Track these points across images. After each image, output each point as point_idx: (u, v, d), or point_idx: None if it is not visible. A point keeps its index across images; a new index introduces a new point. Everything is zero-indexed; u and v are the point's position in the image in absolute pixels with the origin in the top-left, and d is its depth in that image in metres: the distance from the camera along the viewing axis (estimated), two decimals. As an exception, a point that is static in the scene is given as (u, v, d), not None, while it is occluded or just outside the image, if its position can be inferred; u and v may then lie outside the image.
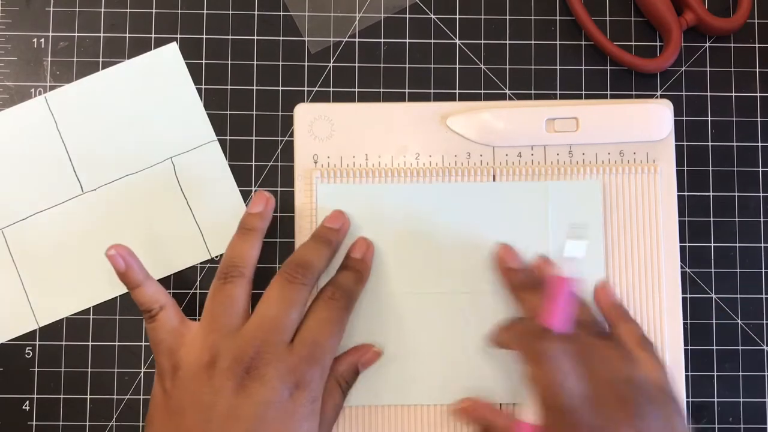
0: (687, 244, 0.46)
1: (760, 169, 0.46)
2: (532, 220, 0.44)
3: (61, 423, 0.44)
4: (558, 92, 0.46)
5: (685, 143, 0.46)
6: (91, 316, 0.45)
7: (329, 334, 0.40)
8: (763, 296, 0.46)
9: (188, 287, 0.45)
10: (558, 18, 0.47)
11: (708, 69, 0.47)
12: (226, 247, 0.42)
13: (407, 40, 0.47)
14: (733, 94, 0.47)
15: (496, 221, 0.44)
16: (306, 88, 0.46)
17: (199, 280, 0.45)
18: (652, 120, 0.45)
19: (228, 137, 0.46)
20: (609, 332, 0.42)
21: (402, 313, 0.44)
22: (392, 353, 0.44)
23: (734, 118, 0.47)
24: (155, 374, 0.40)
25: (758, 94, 0.47)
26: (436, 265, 0.44)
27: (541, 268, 0.43)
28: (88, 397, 0.44)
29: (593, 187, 0.45)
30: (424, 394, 0.44)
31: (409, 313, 0.44)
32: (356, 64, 0.46)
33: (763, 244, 0.46)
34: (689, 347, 0.45)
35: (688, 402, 0.45)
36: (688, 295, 0.45)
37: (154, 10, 0.46)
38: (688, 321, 0.45)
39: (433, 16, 0.47)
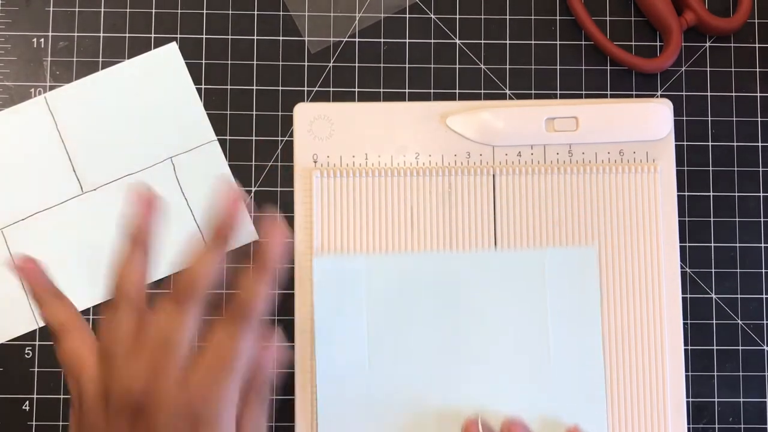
0: (687, 244, 0.46)
1: (760, 169, 0.46)
2: (530, 288, 0.44)
3: (61, 423, 0.44)
4: (558, 92, 0.46)
5: (685, 143, 0.46)
6: (91, 316, 0.45)
7: (234, 358, 0.34)
8: (763, 296, 0.46)
9: (188, 287, 0.45)
10: (558, 18, 0.47)
11: (708, 69, 0.47)
12: (114, 269, 0.37)
13: (407, 40, 0.47)
14: (733, 94, 0.47)
15: (495, 290, 0.44)
16: (306, 88, 0.46)
17: (199, 280, 0.45)
18: (652, 119, 0.45)
19: (228, 137, 0.46)
20: None
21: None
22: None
23: (734, 118, 0.47)
24: None
25: (758, 94, 0.47)
26: (431, 335, 0.44)
27: None
28: (88, 397, 0.44)
29: (589, 254, 0.44)
30: None
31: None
32: (356, 64, 0.46)
33: (763, 244, 0.46)
34: (689, 347, 0.45)
35: (688, 402, 0.44)
36: (688, 295, 0.45)
37: (154, 10, 0.46)
38: (688, 321, 0.45)
39: (433, 16, 0.47)
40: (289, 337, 0.44)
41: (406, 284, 0.44)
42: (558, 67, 0.47)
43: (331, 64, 0.46)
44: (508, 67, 0.47)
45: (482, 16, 0.47)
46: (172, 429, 0.33)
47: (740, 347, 0.45)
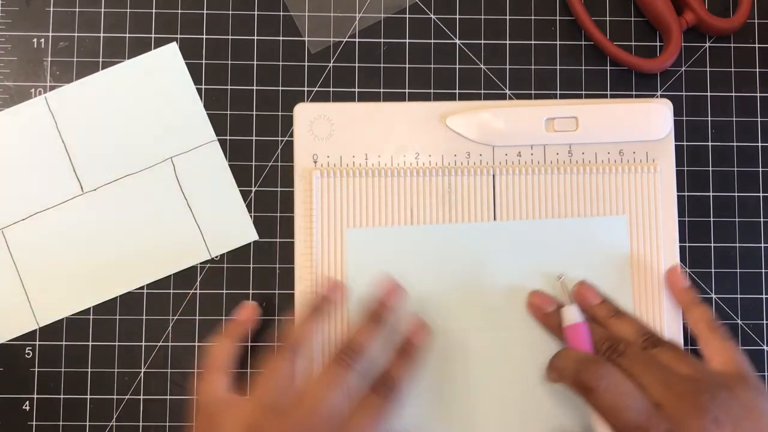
0: (687, 244, 0.46)
1: (760, 169, 0.46)
2: (556, 258, 0.44)
3: (61, 423, 0.44)
4: (558, 92, 0.46)
5: (685, 143, 0.46)
6: (91, 316, 0.45)
7: (375, 426, 0.39)
8: (763, 296, 0.46)
9: (188, 287, 0.45)
10: (558, 18, 0.47)
11: (708, 69, 0.47)
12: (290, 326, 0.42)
13: (407, 40, 0.47)
14: (733, 94, 0.47)
15: (522, 260, 0.44)
16: (306, 88, 0.46)
17: (199, 280, 0.45)
18: (652, 119, 0.45)
19: (228, 137, 0.46)
20: (661, 339, 0.41)
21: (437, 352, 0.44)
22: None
23: (734, 118, 0.47)
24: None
25: (758, 94, 0.47)
26: (463, 302, 0.44)
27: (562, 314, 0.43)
28: (88, 397, 0.44)
29: (619, 222, 0.45)
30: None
31: (440, 351, 0.44)
32: (356, 64, 0.46)
33: (763, 244, 0.46)
34: (689, 347, 0.45)
35: (688, 402, 0.44)
36: (688, 295, 0.45)
37: (154, 10, 0.46)
38: (688, 321, 0.45)
39: (433, 16, 0.47)
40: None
41: (431, 253, 0.44)
42: (558, 67, 0.47)
43: (331, 64, 0.46)
44: (508, 67, 0.47)
45: (482, 16, 0.47)
46: None
47: (740, 347, 0.45)
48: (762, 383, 0.39)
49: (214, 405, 0.40)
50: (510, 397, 0.43)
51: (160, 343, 0.45)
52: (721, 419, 0.36)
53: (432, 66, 0.46)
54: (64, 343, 0.45)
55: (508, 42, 0.47)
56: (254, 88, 0.46)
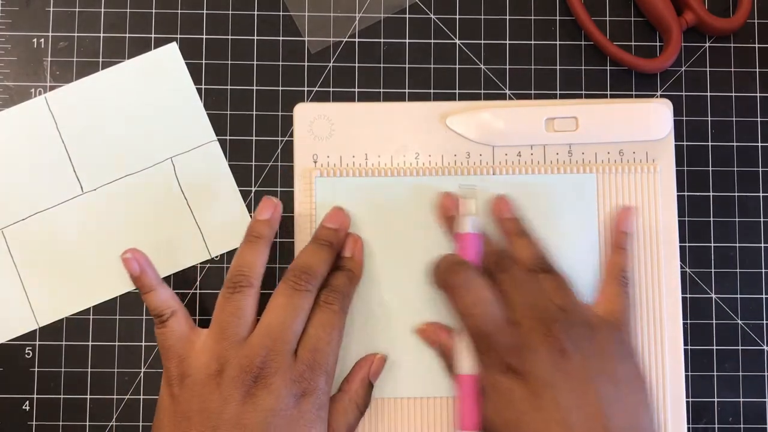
0: (687, 244, 0.46)
1: (760, 169, 0.46)
2: (528, 214, 0.44)
3: (61, 423, 0.44)
4: (558, 92, 0.46)
5: (684, 143, 0.46)
6: (91, 316, 0.45)
7: (329, 339, 0.40)
8: (763, 296, 0.46)
9: (188, 287, 0.45)
10: (558, 18, 0.47)
11: (708, 69, 0.47)
12: (234, 256, 0.42)
13: (407, 40, 0.47)
14: (733, 94, 0.47)
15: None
16: (306, 88, 0.46)
17: (199, 280, 0.45)
18: (652, 119, 0.45)
19: (228, 137, 0.46)
20: (552, 268, 0.41)
21: (400, 307, 0.44)
22: (388, 347, 0.44)
23: (734, 118, 0.47)
24: (162, 378, 0.40)
25: (758, 94, 0.47)
26: (424, 254, 0.44)
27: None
28: (88, 397, 0.44)
29: (588, 180, 0.45)
30: (421, 388, 0.44)
31: (406, 307, 0.44)
32: (356, 64, 0.46)
33: (763, 244, 0.46)
34: (689, 347, 0.45)
35: (688, 402, 0.44)
36: (688, 295, 0.45)
37: (154, 10, 0.46)
38: (688, 321, 0.45)
39: (433, 16, 0.47)
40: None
41: (405, 206, 0.44)
42: (558, 67, 0.47)
43: (331, 64, 0.46)
44: (508, 67, 0.47)
45: (482, 16, 0.47)
46: (285, 390, 0.38)
47: (740, 347, 0.45)
48: (630, 337, 0.41)
49: (181, 346, 0.40)
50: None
51: (160, 343, 0.45)
52: (569, 352, 0.37)
53: (432, 66, 0.46)
54: (64, 343, 0.45)
55: (508, 42, 0.47)
56: (254, 88, 0.46)
